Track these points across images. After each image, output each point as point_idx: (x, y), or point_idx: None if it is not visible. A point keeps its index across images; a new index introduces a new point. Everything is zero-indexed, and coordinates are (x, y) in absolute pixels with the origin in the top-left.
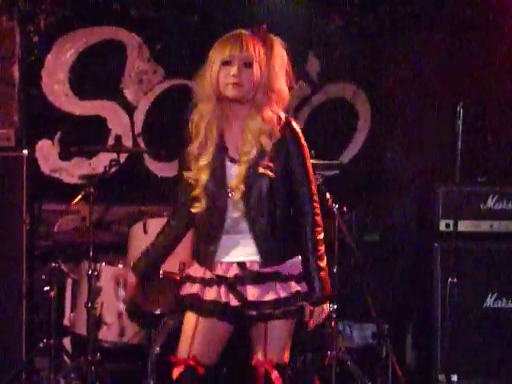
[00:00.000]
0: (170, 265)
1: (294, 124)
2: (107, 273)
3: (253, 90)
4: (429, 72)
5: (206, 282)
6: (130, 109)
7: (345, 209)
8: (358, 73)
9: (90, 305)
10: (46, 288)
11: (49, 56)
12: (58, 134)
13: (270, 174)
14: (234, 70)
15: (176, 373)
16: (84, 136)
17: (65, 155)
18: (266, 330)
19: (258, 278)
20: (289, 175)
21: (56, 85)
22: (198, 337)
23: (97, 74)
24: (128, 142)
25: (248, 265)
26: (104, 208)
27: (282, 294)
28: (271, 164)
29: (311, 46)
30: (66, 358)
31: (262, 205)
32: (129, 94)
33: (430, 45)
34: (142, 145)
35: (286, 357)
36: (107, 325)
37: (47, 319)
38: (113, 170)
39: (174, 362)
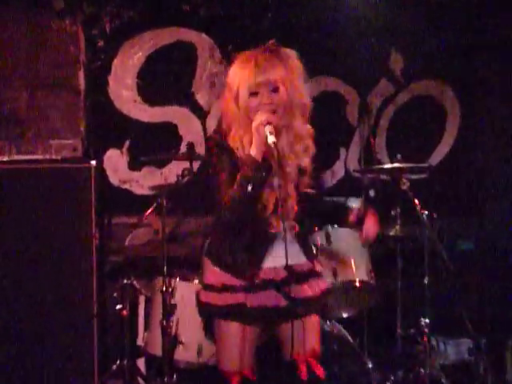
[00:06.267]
0: None
1: None
2: (182, 289)
3: (285, 112)
4: None
5: (249, 289)
6: (202, 114)
7: (435, 215)
8: (445, 69)
9: (164, 323)
10: (118, 306)
11: (115, 61)
12: (127, 143)
13: (311, 191)
14: (263, 98)
15: None
16: (154, 144)
17: (134, 165)
18: (303, 325)
19: (302, 277)
20: None
21: (124, 91)
22: (248, 345)
23: (166, 78)
24: (201, 150)
25: (294, 267)
26: (177, 220)
27: (318, 290)
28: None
29: (394, 41)
30: (140, 380)
31: (302, 215)
32: (200, 98)
33: None
34: None
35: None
36: (183, 344)
37: (120, 339)
38: (186, 179)
39: (227, 374)
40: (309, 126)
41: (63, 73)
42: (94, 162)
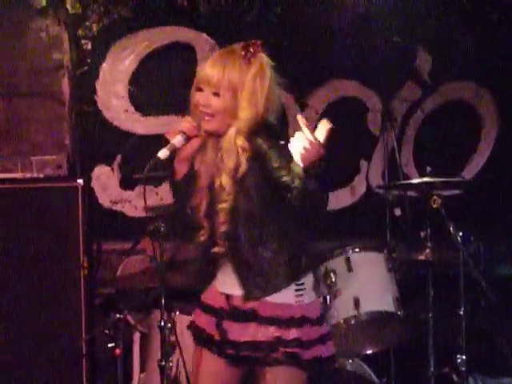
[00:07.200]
0: None
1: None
2: (183, 323)
3: (227, 119)
4: None
5: (201, 307)
6: None
7: (471, 237)
8: (481, 69)
9: (163, 363)
10: (110, 345)
11: (104, 65)
12: (118, 159)
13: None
14: (202, 98)
15: None
16: (149, 159)
17: (127, 183)
18: (261, 376)
19: (238, 315)
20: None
21: (114, 99)
22: (201, 373)
23: (162, 84)
24: None
25: (232, 298)
26: (176, 245)
27: (260, 338)
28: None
29: (421, 38)
30: None
31: (241, 235)
32: None
33: None
34: None
35: None
36: None
37: (112, 382)
38: None
39: None
40: (246, 143)
41: (45, 80)
42: (80, 181)
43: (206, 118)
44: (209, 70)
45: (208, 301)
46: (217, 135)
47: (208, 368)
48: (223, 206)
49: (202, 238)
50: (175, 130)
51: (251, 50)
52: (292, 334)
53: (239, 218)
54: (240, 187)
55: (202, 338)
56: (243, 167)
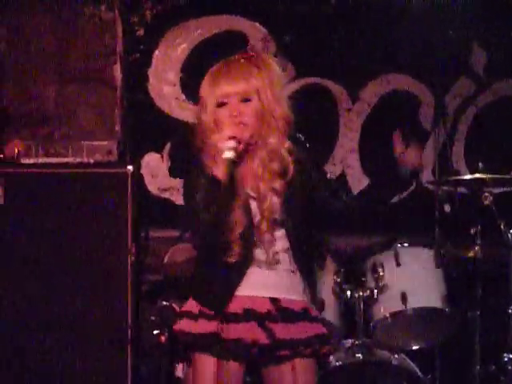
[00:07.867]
0: None
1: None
2: None
3: (259, 125)
4: None
5: (227, 318)
6: None
7: None
8: None
9: None
10: (156, 331)
11: (156, 52)
12: (168, 146)
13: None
14: (232, 109)
15: None
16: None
17: (176, 171)
18: (293, 368)
19: (289, 316)
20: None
21: (165, 86)
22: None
23: None
24: None
25: (282, 301)
26: None
27: (311, 333)
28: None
29: (476, 34)
30: None
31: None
32: None
33: None
34: None
35: None
36: None
37: (157, 369)
38: None
39: None
40: (289, 143)
41: (97, 65)
42: (130, 167)
43: (240, 126)
44: (226, 84)
45: (238, 310)
46: (249, 146)
47: (230, 375)
48: (274, 215)
49: (234, 260)
50: (223, 136)
51: (253, 54)
52: (321, 329)
53: (290, 224)
54: (289, 191)
55: (232, 350)
56: (291, 169)
